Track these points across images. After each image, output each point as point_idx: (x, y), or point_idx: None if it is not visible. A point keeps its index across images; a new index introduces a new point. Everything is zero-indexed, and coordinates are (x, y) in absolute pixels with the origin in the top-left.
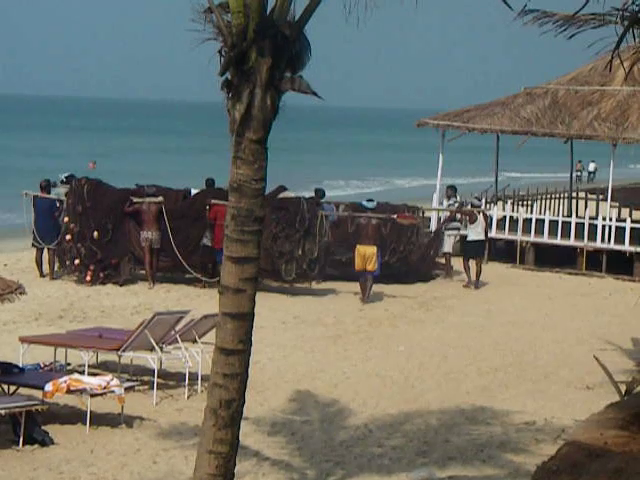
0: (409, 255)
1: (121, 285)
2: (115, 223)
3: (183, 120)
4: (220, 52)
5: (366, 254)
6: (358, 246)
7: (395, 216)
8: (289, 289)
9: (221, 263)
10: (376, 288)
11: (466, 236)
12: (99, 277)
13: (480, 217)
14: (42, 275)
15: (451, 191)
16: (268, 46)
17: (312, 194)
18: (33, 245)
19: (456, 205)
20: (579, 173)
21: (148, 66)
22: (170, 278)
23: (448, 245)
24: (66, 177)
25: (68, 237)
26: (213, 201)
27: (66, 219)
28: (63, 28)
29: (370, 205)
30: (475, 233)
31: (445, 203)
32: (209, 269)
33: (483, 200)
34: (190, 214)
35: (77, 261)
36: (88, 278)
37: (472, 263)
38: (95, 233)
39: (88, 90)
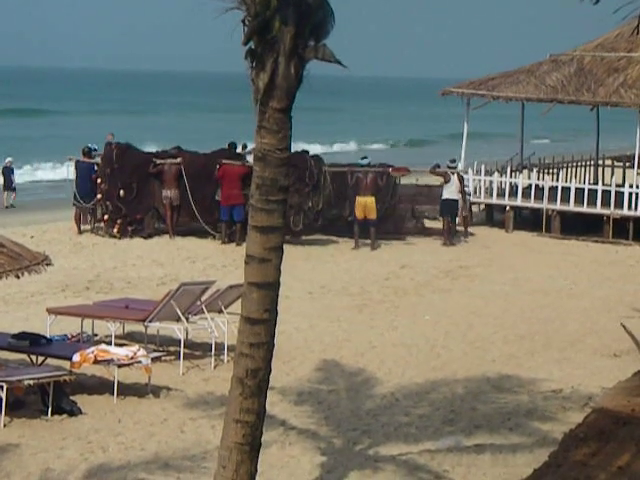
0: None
1: (146, 238)
2: (140, 182)
3: (207, 92)
4: (243, 21)
5: (367, 204)
6: (358, 197)
7: (389, 169)
8: (303, 241)
9: (223, 219)
10: (400, 258)
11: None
12: (127, 231)
13: (454, 178)
14: (80, 232)
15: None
16: (292, 14)
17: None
18: (74, 204)
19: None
20: None
21: (161, 36)
22: (192, 234)
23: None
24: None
25: (99, 196)
26: (223, 161)
27: (98, 180)
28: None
29: (364, 162)
30: (448, 192)
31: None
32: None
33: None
34: (204, 174)
35: (106, 217)
36: (115, 230)
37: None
38: (121, 191)
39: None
